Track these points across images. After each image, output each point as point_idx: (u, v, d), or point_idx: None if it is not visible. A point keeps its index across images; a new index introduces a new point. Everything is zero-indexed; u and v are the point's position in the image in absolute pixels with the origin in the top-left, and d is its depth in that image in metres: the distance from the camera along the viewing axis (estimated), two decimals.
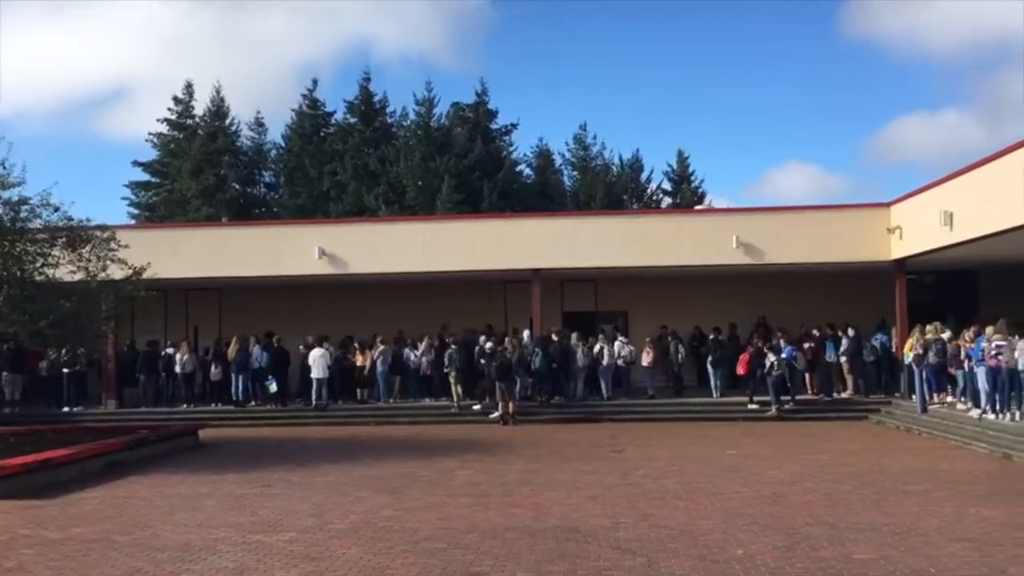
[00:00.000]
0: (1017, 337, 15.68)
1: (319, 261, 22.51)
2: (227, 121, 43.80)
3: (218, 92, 43.56)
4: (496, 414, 20.72)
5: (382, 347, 22.55)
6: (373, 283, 24.61)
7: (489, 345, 21.69)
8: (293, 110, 44.30)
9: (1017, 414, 15.63)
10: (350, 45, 70.26)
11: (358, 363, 22.78)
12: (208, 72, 75.05)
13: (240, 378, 22.47)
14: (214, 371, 22.88)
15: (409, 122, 43.18)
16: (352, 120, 43.94)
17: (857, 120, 76.60)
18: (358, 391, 22.87)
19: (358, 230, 24.72)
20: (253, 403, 22.60)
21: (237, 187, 43.30)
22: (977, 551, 8.24)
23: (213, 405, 22.68)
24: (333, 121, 44.56)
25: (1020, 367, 15.07)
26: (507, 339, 21.87)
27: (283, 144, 44.56)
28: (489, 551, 8.60)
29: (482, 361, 21.35)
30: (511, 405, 20.63)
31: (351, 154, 41.60)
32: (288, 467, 14.46)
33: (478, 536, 9.23)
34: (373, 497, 11.58)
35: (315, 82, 44.78)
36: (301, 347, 22.74)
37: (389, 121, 44.35)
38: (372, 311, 24.72)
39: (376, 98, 44.10)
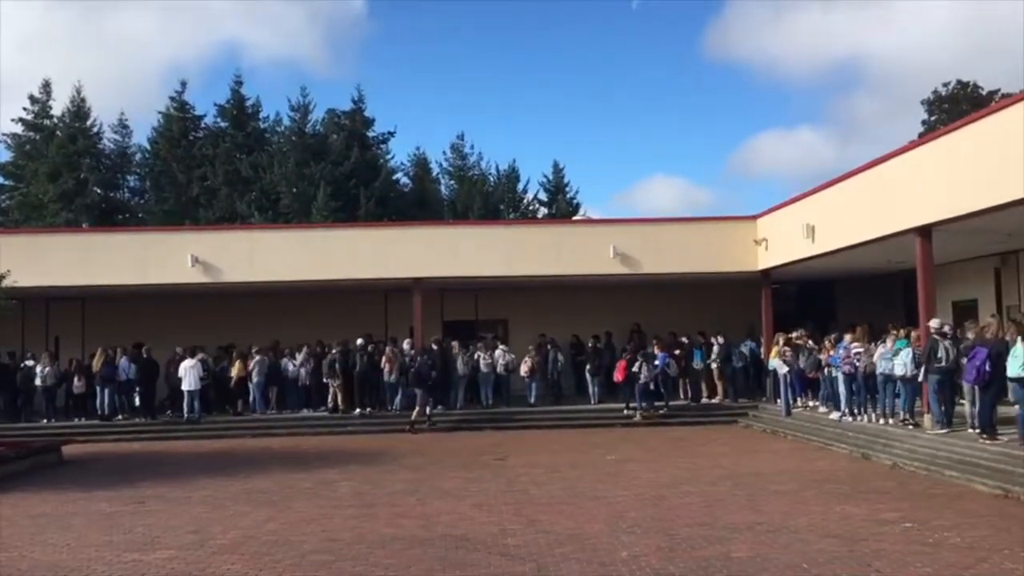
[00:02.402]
0: (874, 344, 16.69)
1: (192, 269, 21.81)
2: (88, 122, 41.87)
3: (78, 92, 41.68)
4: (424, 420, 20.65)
5: (258, 357, 22.01)
6: (249, 292, 24.01)
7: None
8: (160, 113, 42.82)
9: (873, 416, 16.62)
10: (220, 48, 68.50)
11: (233, 374, 22.15)
12: (68, 71, 71.36)
13: (106, 391, 21.47)
14: (77, 384, 21.80)
15: (283, 128, 42.39)
16: (223, 124, 42.74)
17: (720, 136, 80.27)
18: (239, 403, 22.22)
19: (234, 238, 24.03)
20: (120, 417, 21.63)
21: (99, 191, 41.50)
22: (844, 546, 8.73)
23: (76, 420, 21.59)
24: (203, 125, 43.25)
25: (878, 371, 16.02)
26: (387, 349, 21.79)
27: (149, 148, 42.89)
28: (378, 562, 8.54)
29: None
30: (416, 412, 20.59)
31: (222, 159, 40.42)
32: (161, 482, 13.92)
33: (366, 547, 9.16)
34: (254, 511, 11.30)
35: (183, 84, 43.45)
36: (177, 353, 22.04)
37: (262, 126, 43.34)
38: (248, 320, 24.16)
39: (248, 102, 43.06)
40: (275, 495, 12.50)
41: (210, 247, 22.36)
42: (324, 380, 22.01)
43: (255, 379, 22.02)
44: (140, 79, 65.53)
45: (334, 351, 21.84)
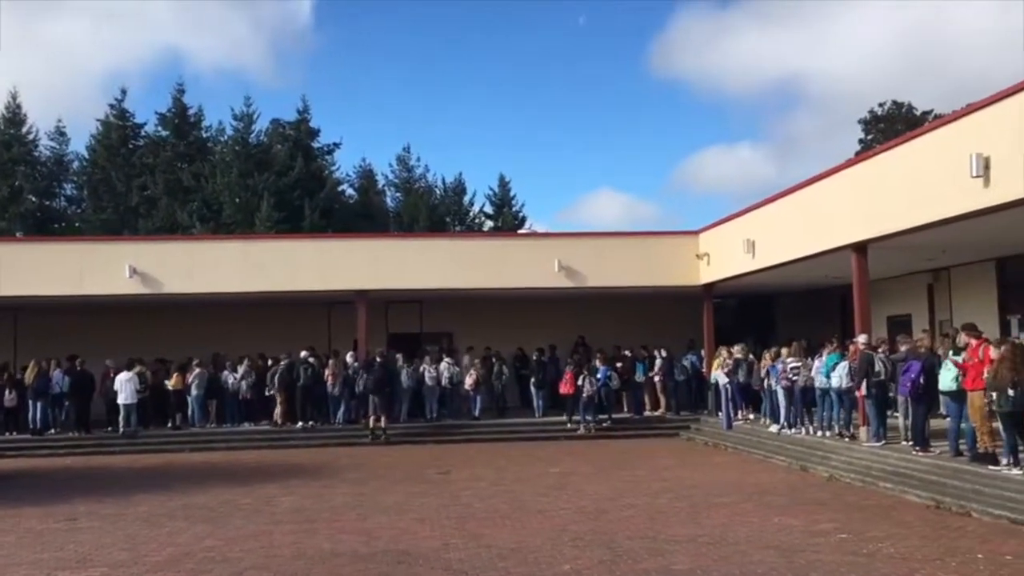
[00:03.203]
0: (810, 358, 17.02)
1: (130, 280, 21.35)
2: (24, 129, 40.82)
3: (14, 98, 40.65)
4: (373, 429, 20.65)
5: (198, 370, 21.63)
6: (190, 303, 23.60)
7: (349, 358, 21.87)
8: (99, 120, 41.83)
9: (811, 428, 16.93)
10: (162, 55, 67.19)
11: (171, 386, 21.72)
12: (3, 77, 69.55)
13: (38, 404, 20.89)
14: (8, 397, 21.15)
15: (226, 137, 41.70)
16: (164, 133, 41.94)
17: (664, 152, 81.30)
18: (177, 416, 21.80)
19: (174, 248, 23.54)
20: (53, 431, 21.07)
21: (34, 200, 40.46)
22: (782, 557, 8.87)
23: (7, 434, 20.94)
24: (143, 133, 42.33)
25: (817, 385, 16.34)
26: (331, 361, 21.62)
27: (87, 156, 41.94)
28: None
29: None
30: (383, 420, 20.50)
31: (162, 168, 39.66)
32: (95, 498, 13.58)
33: (305, 563, 9.04)
34: (191, 527, 11.09)
35: (124, 92, 42.45)
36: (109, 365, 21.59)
37: (204, 135, 42.65)
38: (188, 333, 23.72)
39: (190, 111, 42.34)
40: (213, 511, 12.28)
41: (149, 258, 21.93)
42: (267, 393, 21.71)
43: (194, 392, 21.63)
44: (79, 86, 64.22)
45: (281, 363, 21.58)
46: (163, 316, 24.23)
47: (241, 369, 22.09)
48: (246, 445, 20.41)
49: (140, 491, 14.27)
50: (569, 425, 21.38)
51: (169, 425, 21.77)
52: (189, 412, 21.89)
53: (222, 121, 42.64)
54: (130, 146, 41.57)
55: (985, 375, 11.70)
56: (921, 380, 13.26)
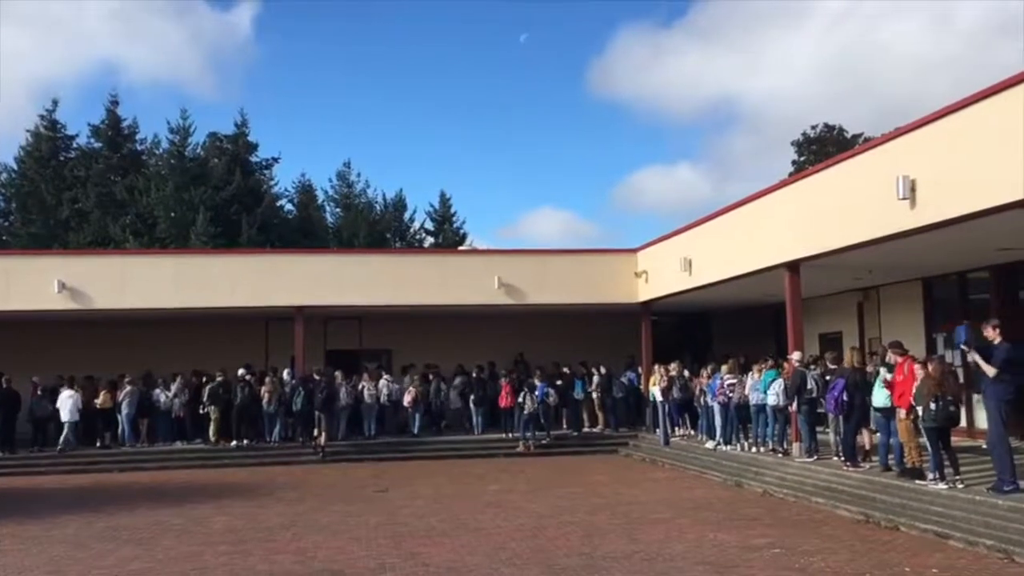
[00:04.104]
0: (746, 375, 17.29)
1: (58, 295, 20.82)
2: None
3: None
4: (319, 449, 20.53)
5: (128, 388, 21.11)
6: (121, 319, 23.06)
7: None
8: (28, 131, 40.70)
9: (745, 444, 17.18)
10: (96, 66, 65.86)
11: (99, 404, 21.15)
12: None
13: None
14: None
15: (161, 150, 40.90)
16: (97, 145, 40.97)
17: (604, 171, 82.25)
18: (106, 435, 21.22)
19: (105, 262, 23.03)
20: None
21: None
22: (717, 573, 8.96)
23: None
24: (75, 145, 41.31)
25: (752, 401, 16.61)
26: (267, 379, 21.32)
27: (15, 167, 40.77)
28: None
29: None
30: (323, 437, 20.34)
31: (95, 181, 38.71)
32: (19, 520, 13.14)
33: None
34: (119, 550, 10.79)
35: (55, 102, 41.40)
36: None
37: (139, 148, 41.78)
38: (120, 349, 23.15)
39: (125, 123, 41.42)
40: (142, 532, 11.97)
41: (79, 272, 21.40)
42: (202, 411, 21.26)
43: (125, 410, 21.10)
44: (8, 95, 62.49)
45: (217, 380, 21.17)
46: (93, 332, 23.60)
47: (174, 387, 21.63)
48: (178, 464, 19.94)
49: (66, 512, 13.85)
50: (506, 436, 21.45)
51: (98, 444, 21.20)
52: (120, 431, 21.34)
53: (157, 134, 41.85)
54: (61, 158, 40.55)
55: (913, 391, 11.99)
56: (844, 397, 13.56)
